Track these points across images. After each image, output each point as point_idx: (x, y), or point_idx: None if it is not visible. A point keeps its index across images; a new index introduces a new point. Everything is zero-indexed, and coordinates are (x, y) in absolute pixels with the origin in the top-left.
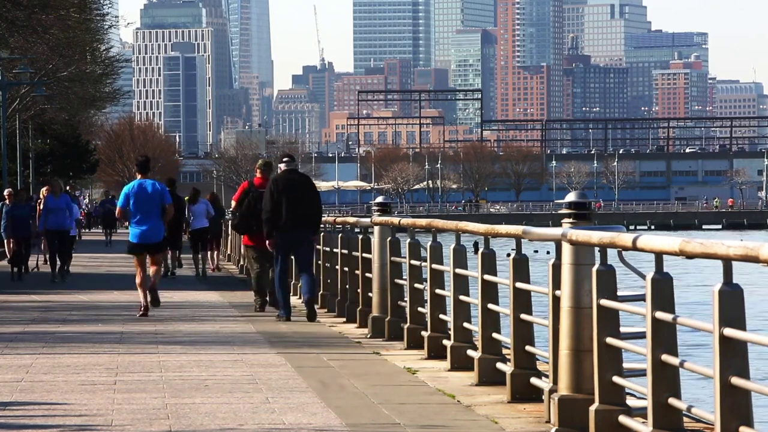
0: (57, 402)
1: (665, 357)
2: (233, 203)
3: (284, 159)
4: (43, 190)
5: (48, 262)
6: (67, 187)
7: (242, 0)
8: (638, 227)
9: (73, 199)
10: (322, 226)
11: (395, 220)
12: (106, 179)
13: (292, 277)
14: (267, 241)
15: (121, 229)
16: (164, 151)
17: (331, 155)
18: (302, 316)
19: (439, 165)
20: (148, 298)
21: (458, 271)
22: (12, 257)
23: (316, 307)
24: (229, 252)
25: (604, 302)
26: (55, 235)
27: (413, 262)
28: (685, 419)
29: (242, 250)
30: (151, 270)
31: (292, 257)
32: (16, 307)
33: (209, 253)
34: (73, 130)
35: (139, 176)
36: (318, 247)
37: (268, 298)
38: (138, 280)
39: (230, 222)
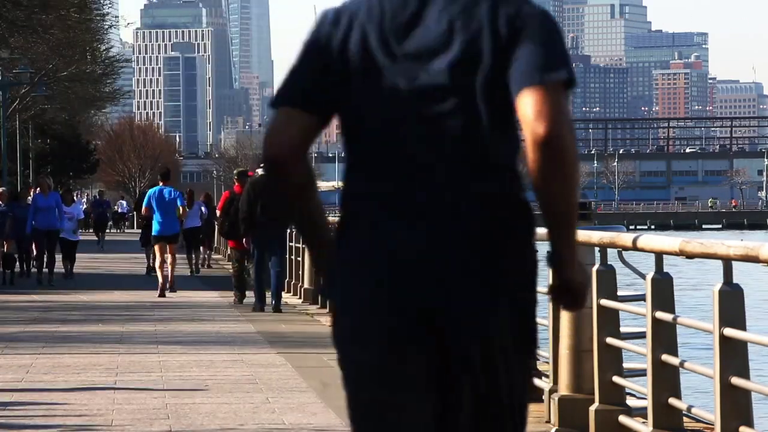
0: (57, 402)
1: (665, 357)
2: (218, 212)
3: (261, 164)
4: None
5: (45, 264)
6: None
7: (242, 0)
8: (638, 227)
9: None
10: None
11: None
12: (106, 179)
13: (267, 272)
14: (243, 239)
15: (115, 230)
16: (164, 151)
17: (331, 155)
18: (297, 313)
19: None
20: (167, 283)
21: None
22: (4, 259)
23: (314, 301)
24: (228, 252)
25: (604, 302)
26: (44, 235)
27: None
28: (685, 419)
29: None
30: (168, 258)
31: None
32: (16, 307)
33: (203, 250)
34: (73, 130)
35: (161, 183)
36: None
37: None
38: (158, 263)
39: (217, 228)
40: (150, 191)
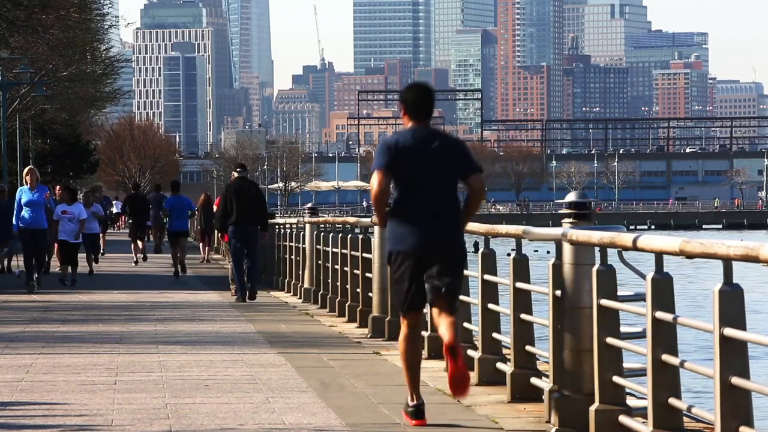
0: (57, 402)
1: (665, 357)
2: (215, 208)
3: (237, 168)
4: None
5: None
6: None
7: (242, 0)
8: (638, 227)
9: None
10: (322, 226)
11: None
12: (107, 179)
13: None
14: (220, 234)
15: (111, 229)
16: (164, 151)
17: (331, 155)
18: (297, 313)
19: None
20: (178, 267)
21: None
22: None
23: (314, 301)
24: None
25: (604, 302)
26: (29, 234)
27: None
28: (685, 419)
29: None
30: (180, 249)
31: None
32: (16, 307)
33: (201, 246)
34: (73, 130)
35: (171, 193)
36: (318, 246)
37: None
38: (172, 253)
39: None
40: (167, 200)
